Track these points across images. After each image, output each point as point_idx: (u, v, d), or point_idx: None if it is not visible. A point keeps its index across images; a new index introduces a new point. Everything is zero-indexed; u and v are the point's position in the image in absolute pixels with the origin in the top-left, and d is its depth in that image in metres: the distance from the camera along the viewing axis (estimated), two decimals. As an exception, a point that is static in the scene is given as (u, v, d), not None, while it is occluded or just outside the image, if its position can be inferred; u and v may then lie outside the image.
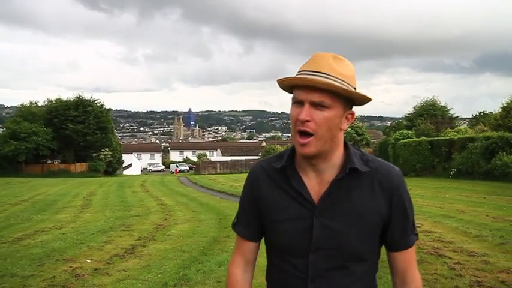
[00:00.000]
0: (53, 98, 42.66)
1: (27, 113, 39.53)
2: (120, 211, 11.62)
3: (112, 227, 8.62)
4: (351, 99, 1.19)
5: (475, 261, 5.08)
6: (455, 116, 35.54)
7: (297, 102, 1.17)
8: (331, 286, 1.21)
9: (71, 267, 5.40)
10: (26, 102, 42.39)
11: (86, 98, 41.41)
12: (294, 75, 1.21)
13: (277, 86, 1.25)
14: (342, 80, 1.15)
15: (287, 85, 1.22)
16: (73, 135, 39.43)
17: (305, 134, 1.16)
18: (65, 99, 41.36)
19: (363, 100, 1.20)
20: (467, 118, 49.61)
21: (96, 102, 41.91)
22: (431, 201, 11.34)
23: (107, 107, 44.04)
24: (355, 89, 1.18)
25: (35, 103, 42.78)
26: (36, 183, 26.11)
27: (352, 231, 1.20)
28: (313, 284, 1.21)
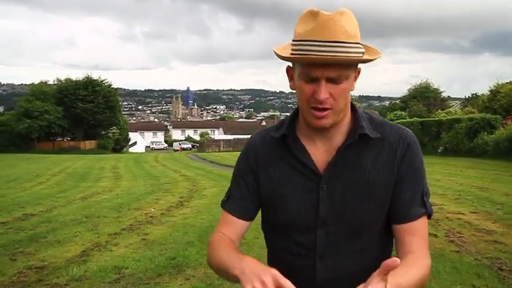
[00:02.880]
0: (63, 77, 44.42)
1: (38, 92, 41.19)
2: (151, 180, 13.64)
3: (154, 191, 10.63)
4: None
5: (435, 208, 7.10)
6: (447, 97, 37.45)
7: (309, 79, 1.01)
8: (342, 263, 1.09)
9: (142, 213, 7.42)
10: (22, 80, 44.59)
11: (95, 78, 43.04)
12: (296, 43, 1.01)
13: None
14: (357, 43, 1.00)
15: (296, 61, 1.04)
16: (83, 114, 41.21)
17: (322, 110, 1.02)
18: (74, 79, 42.98)
19: (373, 60, 1.04)
20: (462, 98, 51.57)
21: (104, 82, 43.56)
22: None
23: (114, 87, 45.59)
24: (360, 44, 1.02)
25: (46, 82, 44.37)
26: (55, 158, 28.12)
27: (362, 202, 1.07)
28: (321, 262, 1.10)
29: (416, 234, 1.07)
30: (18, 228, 6.20)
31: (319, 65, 0.99)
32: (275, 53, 1.06)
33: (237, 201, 1.18)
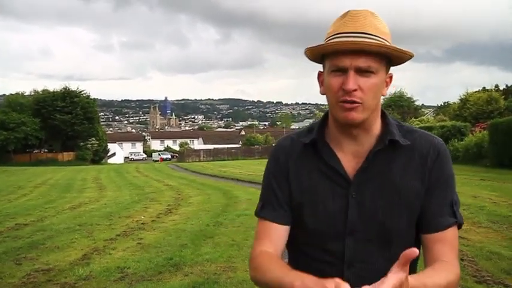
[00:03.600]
0: (38, 88, 43.99)
1: (15, 103, 40.72)
2: (136, 190, 13.89)
3: (140, 200, 10.93)
4: (391, 59, 1.05)
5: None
6: (422, 105, 38.76)
7: (338, 70, 1.01)
8: (371, 271, 1.05)
9: (133, 220, 7.74)
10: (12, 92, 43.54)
11: (73, 89, 42.80)
12: (327, 39, 1.04)
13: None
14: (386, 40, 1.01)
15: (326, 51, 1.04)
16: (61, 125, 40.91)
17: (351, 103, 1.01)
18: (51, 90, 42.64)
19: (405, 58, 1.05)
20: (435, 106, 53.35)
21: (82, 93, 43.33)
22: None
23: (93, 98, 45.40)
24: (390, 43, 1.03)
25: (22, 93, 43.84)
26: (34, 171, 27.88)
27: (391, 209, 1.06)
28: (349, 271, 1.07)
29: (445, 244, 1.06)
30: (15, 237, 6.45)
31: (347, 54, 0.99)
32: (306, 51, 1.07)
33: (274, 207, 1.15)
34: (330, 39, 1.02)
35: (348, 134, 1.09)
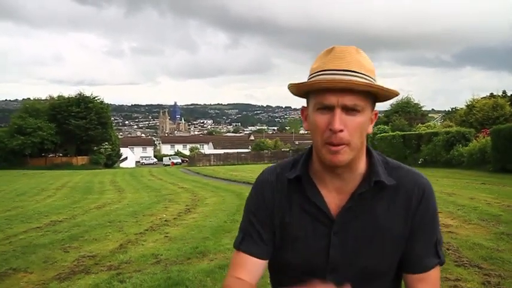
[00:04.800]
0: (51, 93, 45.39)
1: (31, 109, 41.99)
2: (153, 192, 14.70)
3: (159, 201, 11.73)
4: (377, 97, 1.05)
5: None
6: (431, 110, 39.17)
7: (324, 108, 1.00)
8: None
9: (156, 218, 8.52)
10: (7, 96, 45.71)
11: (87, 95, 44.02)
12: (311, 76, 1.04)
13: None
14: (372, 78, 1.02)
15: (311, 89, 1.03)
16: (75, 130, 42.09)
17: (338, 145, 1.00)
18: (67, 96, 43.90)
19: (391, 96, 1.05)
20: (444, 111, 53.78)
21: (96, 98, 44.53)
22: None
23: (107, 103, 46.57)
24: (376, 82, 1.05)
25: (39, 99, 45.19)
26: (51, 174, 28.94)
27: (373, 249, 1.07)
28: None
29: (428, 284, 1.09)
30: (55, 231, 7.27)
31: (333, 92, 0.97)
32: (290, 87, 1.06)
33: (255, 240, 1.14)
34: (315, 76, 1.02)
35: (332, 171, 1.08)
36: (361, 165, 1.10)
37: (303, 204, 1.12)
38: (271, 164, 1.27)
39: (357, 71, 1.00)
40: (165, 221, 8.12)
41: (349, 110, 0.99)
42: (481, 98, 30.24)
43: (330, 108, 1.00)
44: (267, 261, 1.17)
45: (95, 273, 4.67)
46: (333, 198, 1.10)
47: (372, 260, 1.08)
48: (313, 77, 1.03)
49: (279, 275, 1.19)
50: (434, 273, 1.11)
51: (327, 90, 0.99)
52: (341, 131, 0.99)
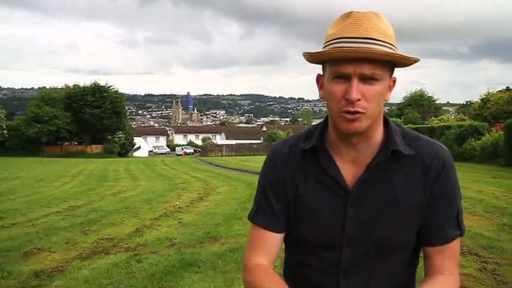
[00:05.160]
0: (66, 83, 46.07)
1: (48, 97, 42.71)
2: (166, 180, 15.05)
3: (172, 189, 12.05)
4: (395, 64, 1.01)
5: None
6: (443, 103, 38.96)
7: (340, 77, 0.96)
8: (366, 282, 1.08)
9: (170, 205, 8.83)
10: (22, 84, 46.87)
11: (102, 85, 44.59)
12: (327, 43, 0.99)
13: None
14: (392, 45, 0.97)
15: (327, 58, 0.99)
16: (91, 119, 42.73)
17: (354, 113, 0.97)
18: (82, 85, 44.53)
19: (410, 63, 1.01)
20: (459, 104, 53.26)
21: (111, 88, 45.08)
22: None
23: (121, 93, 47.12)
24: (396, 48, 0.99)
25: (55, 88, 45.94)
26: (67, 161, 29.57)
27: (390, 221, 1.04)
28: (345, 280, 1.08)
29: (447, 255, 1.07)
30: (74, 216, 7.62)
31: (351, 61, 0.94)
32: (304, 55, 1.03)
33: (268, 214, 1.13)
34: (331, 44, 0.98)
35: (348, 141, 1.05)
36: (378, 135, 1.06)
37: (318, 176, 1.09)
38: None
39: (376, 38, 0.95)
40: (179, 208, 8.42)
41: (366, 79, 0.96)
42: (497, 92, 29.93)
43: (346, 77, 0.96)
44: (283, 234, 1.15)
45: (114, 254, 4.97)
46: (349, 169, 1.07)
47: (389, 232, 1.05)
48: (329, 44, 0.98)
49: (293, 247, 1.17)
50: (455, 245, 1.08)
51: (344, 59, 0.95)
52: (358, 100, 0.96)
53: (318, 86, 1.09)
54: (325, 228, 1.08)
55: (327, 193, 1.08)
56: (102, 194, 11.17)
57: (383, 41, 0.95)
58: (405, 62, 1.00)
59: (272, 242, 1.13)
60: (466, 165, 18.52)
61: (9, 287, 3.88)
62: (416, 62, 1.01)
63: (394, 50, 0.97)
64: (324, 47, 1.00)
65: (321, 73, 1.06)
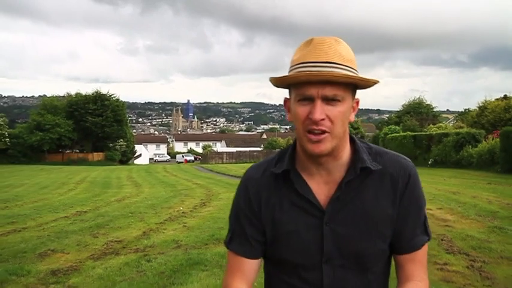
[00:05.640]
0: (68, 91, 46.46)
1: (50, 106, 43.08)
2: (169, 187, 15.34)
3: (175, 195, 12.34)
4: (357, 85, 1.06)
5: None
6: (443, 111, 39.31)
7: (304, 99, 1.02)
8: None
9: (174, 210, 9.11)
10: (23, 93, 47.00)
11: (104, 93, 44.97)
12: (292, 68, 1.04)
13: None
14: (352, 68, 1.03)
15: (292, 82, 1.04)
16: (92, 127, 43.04)
17: (319, 133, 1.02)
18: (84, 94, 44.94)
19: (370, 84, 1.06)
20: (459, 112, 53.62)
21: (112, 96, 45.46)
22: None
23: (122, 101, 47.49)
24: (357, 71, 1.05)
25: (57, 96, 46.38)
26: (69, 169, 29.84)
27: (365, 236, 1.09)
28: None
29: (417, 262, 1.13)
30: (82, 220, 7.90)
31: (314, 83, 0.99)
32: (271, 79, 1.07)
33: (242, 241, 1.15)
34: (295, 68, 1.03)
35: (317, 162, 1.09)
36: (345, 154, 1.11)
37: (292, 198, 1.12)
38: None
39: (336, 62, 1.00)
40: (183, 213, 8.71)
41: (329, 100, 1.01)
42: (495, 100, 30.30)
43: (310, 99, 1.01)
44: (260, 259, 1.18)
45: (124, 254, 5.26)
46: (321, 189, 1.11)
47: (365, 246, 1.09)
48: (293, 69, 1.04)
49: (274, 268, 1.18)
50: (424, 251, 1.14)
51: (308, 82, 1.00)
52: (322, 119, 1.00)
53: (285, 109, 1.13)
54: (304, 249, 1.11)
55: (302, 215, 1.11)
56: (107, 200, 11.45)
57: (343, 65, 1.00)
58: (366, 84, 1.05)
59: (249, 268, 1.16)
60: (463, 172, 18.82)
61: (30, 284, 4.17)
62: (376, 83, 1.06)
63: (354, 72, 1.02)
64: (289, 72, 1.05)
65: (287, 97, 1.11)
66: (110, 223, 7.51)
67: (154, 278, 4.22)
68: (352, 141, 1.14)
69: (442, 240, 5.53)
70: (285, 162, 1.13)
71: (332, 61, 1.00)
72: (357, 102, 1.10)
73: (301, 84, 1.01)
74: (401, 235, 1.11)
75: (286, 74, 1.05)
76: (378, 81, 1.05)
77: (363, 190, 1.10)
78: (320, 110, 1.00)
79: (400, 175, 1.10)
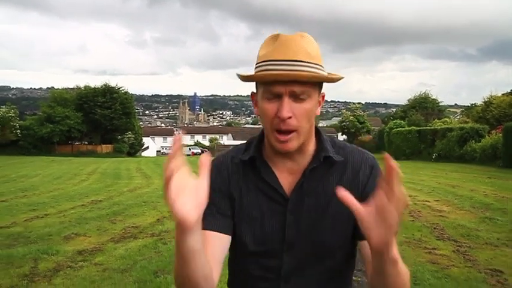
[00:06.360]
0: (78, 83, 47.15)
1: (60, 98, 43.80)
2: (178, 179, 15.83)
3: (185, 186, 12.82)
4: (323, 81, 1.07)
5: (413, 200, 9.21)
6: (451, 105, 39.40)
7: (272, 97, 1.03)
8: (307, 286, 1.13)
9: (184, 200, 9.59)
10: (31, 85, 48.16)
11: (112, 86, 45.62)
12: (258, 65, 1.04)
13: None
14: (318, 65, 1.04)
15: (260, 80, 1.05)
16: (101, 120, 43.71)
17: (286, 132, 1.03)
18: (93, 87, 45.61)
19: (335, 81, 1.08)
20: (467, 106, 53.69)
21: (121, 89, 46.09)
22: (407, 176, 15.50)
23: (131, 93, 48.14)
24: (322, 66, 1.06)
25: (66, 89, 47.13)
26: (79, 161, 30.50)
27: (327, 225, 1.10)
28: (286, 286, 1.12)
29: None
30: (98, 208, 8.42)
31: (281, 82, 1.00)
32: (238, 76, 1.08)
33: (215, 216, 1.10)
34: (261, 65, 1.03)
35: (283, 155, 1.11)
36: (311, 146, 1.13)
37: (258, 185, 1.13)
38: None
39: (303, 60, 1.00)
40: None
41: (296, 97, 1.01)
42: (501, 95, 30.49)
43: (278, 96, 1.02)
44: (230, 237, 1.12)
45: (141, 238, 5.76)
46: (286, 178, 1.12)
47: (326, 235, 1.10)
48: (260, 66, 1.04)
49: (235, 256, 1.19)
50: None
51: (275, 80, 1.00)
52: (289, 117, 1.01)
53: (252, 103, 1.14)
54: (266, 236, 1.11)
55: (266, 201, 1.12)
56: (119, 190, 11.97)
57: (309, 62, 1.01)
58: (331, 81, 1.08)
59: (218, 243, 1.08)
60: (465, 166, 19.16)
61: (60, 261, 4.68)
62: (340, 79, 1.08)
63: (320, 69, 1.04)
64: (255, 68, 1.06)
65: (254, 91, 1.12)
66: (125, 211, 8.01)
67: (170, 257, 4.70)
68: (317, 133, 1.16)
69: (434, 228, 5.96)
70: (251, 150, 1.15)
71: (298, 59, 1.00)
72: (323, 97, 1.12)
73: (269, 82, 1.02)
74: None
75: (250, 73, 1.06)
76: (343, 77, 1.09)
77: (326, 180, 1.12)
78: (287, 108, 1.01)
79: (361, 167, 1.13)
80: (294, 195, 1.10)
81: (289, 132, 1.03)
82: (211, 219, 1.09)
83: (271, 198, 1.11)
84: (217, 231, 1.09)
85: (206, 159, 0.87)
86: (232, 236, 1.13)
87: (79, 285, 3.97)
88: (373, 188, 1.00)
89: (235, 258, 1.19)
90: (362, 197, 1.03)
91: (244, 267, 1.16)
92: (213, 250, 1.06)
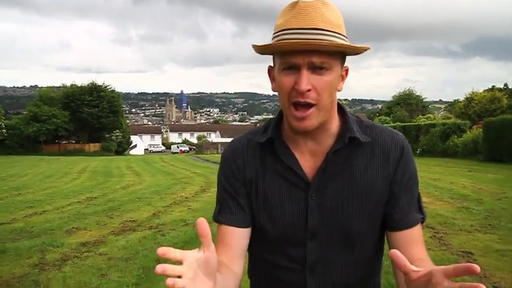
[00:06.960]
0: (62, 82, 46.95)
1: (46, 97, 43.57)
2: (169, 176, 16.13)
3: (176, 183, 13.14)
4: (345, 52, 0.99)
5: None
6: (436, 101, 40.26)
7: (289, 68, 0.95)
8: (334, 276, 1.05)
9: (177, 196, 9.93)
10: (14, 83, 47.72)
11: (99, 84, 45.53)
12: (276, 34, 0.97)
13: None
14: (341, 34, 0.95)
15: (277, 50, 0.97)
16: (88, 118, 43.67)
17: (304, 105, 0.95)
18: (79, 85, 45.47)
19: (360, 51, 0.99)
20: (451, 102, 54.88)
21: (108, 87, 46.03)
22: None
23: (118, 92, 48.07)
24: (346, 37, 0.97)
25: (53, 88, 46.86)
26: (67, 159, 30.51)
27: (353, 210, 1.02)
28: (312, 276, 1.05)
29: (416, 242, 1.03)
30: (94, 204, 8.70)
31: (299, 52, 0.92)
32: (253, 47, 1.00)
33: (232, 210, 1.07)
34: (278, 35, 0.96)
35: (304, 134, 1.03)
36: (334, 125, 1.05)
37: (276, 169, 1.06)
38: None
39: (323, 28, 0.92)
40: (186, 197, 9.53)
41: (316, 68, 0.94)
42: (483, 91, 31.36)
43: (296, 68, 0.94)
44: (250, 228, 1.09)
45: (140, 231, 6.09)
46: (308, 160, 1.05)
47: (353, 222, 1.02)
48: (276, 35, 0.97)
49: (257, 245, 1.12)
50: (418, 230, 1.05)
51: (293, 50, 0.93)
52: (308, 90, 0.94)
53: (270, 78, 1.06)
54: (288, 222, 1.05)
55: (287, 186, 1.05)
56: (112, 187, 12.23)
57: (331, 31, 0.93)
58: (355, 51, 0.98)
59: (237, 238, 1.07)
60: (448, 161, 19.81)
61: (66, 252, 4.99)
62: (366, 50, 0.99)
63: (343, 39, 0.95)
64: (272, 38, 0.99)
65: (272, 65, 1.05)
66: (121, 207, 8.31)
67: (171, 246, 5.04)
68: (341, 111, 1.08)
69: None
70: (269, 131, 1.08)
71: (319, 27, 0.92)
72: (346, 71, 1.04)
73: (286, 52, 0.95)
74: (395, 210, 1.04)
75: (267, 43, 0.99)
76: (369, 48, 0.99)
77: (352, 162, 1.03)
78: (306, 80, 0.93)
79: (391, 149, 1.03)
80: (316, 179, 1.03)
81: (308, 106, 0.95)
82: (228, 214, 1.08)
83: (292, 183, 1.05)
84: (236, 226, 1.07)
85: (205, 230, 0.79)
86: (254, 224, 1.09)
87: (87, 272, 4.29)
88: (404, 172, 1.04)
89: (257, 247, 1.13)
90: (393, 181, 1.03)
91: (266, 256, 1.11)
92: (233, 245, 1.05)
